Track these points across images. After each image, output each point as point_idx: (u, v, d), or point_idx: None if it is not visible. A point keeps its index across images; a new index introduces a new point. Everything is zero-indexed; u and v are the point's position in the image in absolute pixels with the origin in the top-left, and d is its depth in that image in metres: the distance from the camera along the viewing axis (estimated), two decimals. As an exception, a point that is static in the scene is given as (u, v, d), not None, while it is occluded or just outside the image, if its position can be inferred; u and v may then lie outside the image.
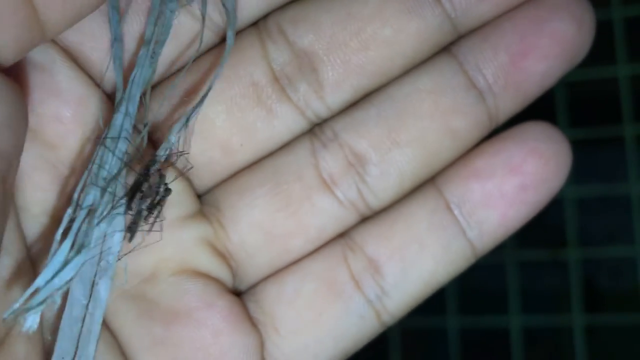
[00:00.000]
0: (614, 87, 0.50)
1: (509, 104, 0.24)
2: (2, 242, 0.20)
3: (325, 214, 0.24)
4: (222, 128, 0.24)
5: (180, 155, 0.22)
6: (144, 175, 0.21)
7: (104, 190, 0.21)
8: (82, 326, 0.22)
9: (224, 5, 0.23)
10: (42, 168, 0.22)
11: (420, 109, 0.24)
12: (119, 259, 0.22)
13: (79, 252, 0.21)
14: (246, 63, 0.24)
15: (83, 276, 0.22)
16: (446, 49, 0.25)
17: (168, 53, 0.23)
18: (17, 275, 0.21)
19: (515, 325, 0.52)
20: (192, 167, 0.23)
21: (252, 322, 0.24)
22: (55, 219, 0.22)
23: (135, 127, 0.23)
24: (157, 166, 0.22)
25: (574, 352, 0.51)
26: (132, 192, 0.21)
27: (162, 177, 0.22)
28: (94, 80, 0.23)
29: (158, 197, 0.22)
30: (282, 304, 0.24)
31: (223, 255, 0.25)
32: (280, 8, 0.24)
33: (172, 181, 0.23)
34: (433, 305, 0.50)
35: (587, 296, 0.51)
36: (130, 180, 0.22)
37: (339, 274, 0.24)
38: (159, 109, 0.24)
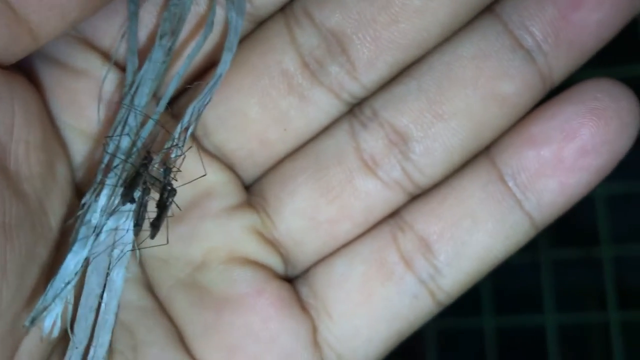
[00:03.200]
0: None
1: (563, 62, 0.23)
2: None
3: (369, 196, 0.24)
4: (256, 121, 0.24)
5: (176, 149, 0.22)
6: (142, 167, 0.21)
7: (112, 187, 0.22)
8: (96, 316, 0.22)
9: None
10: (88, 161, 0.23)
11: (463, 77, 0.23)
12: (133, 250, 0.22)
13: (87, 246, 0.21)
14: (274, 52, 0.23)
15: (98, 267, 0.22)
16: (489, 8, 0.23)
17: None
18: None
19: (551, 323, 0.53)
20: (184, 157, 0.23)
21: (303, 308, 0.24)
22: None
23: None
24: (156, 160, 0.22)
25: (610, 349, 0.51)
26: (130, 184, 0.21)
27: (167, 170, 0.22)
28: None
29: (166, 194, 0.22)
30: (332, 288, 0.24)
31: (271, 243, 0.24)
32: None
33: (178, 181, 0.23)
34: (468, 305, 0.51)
35: (621, 293, 0.52)
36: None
37: (389, 255, 0.24)
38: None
